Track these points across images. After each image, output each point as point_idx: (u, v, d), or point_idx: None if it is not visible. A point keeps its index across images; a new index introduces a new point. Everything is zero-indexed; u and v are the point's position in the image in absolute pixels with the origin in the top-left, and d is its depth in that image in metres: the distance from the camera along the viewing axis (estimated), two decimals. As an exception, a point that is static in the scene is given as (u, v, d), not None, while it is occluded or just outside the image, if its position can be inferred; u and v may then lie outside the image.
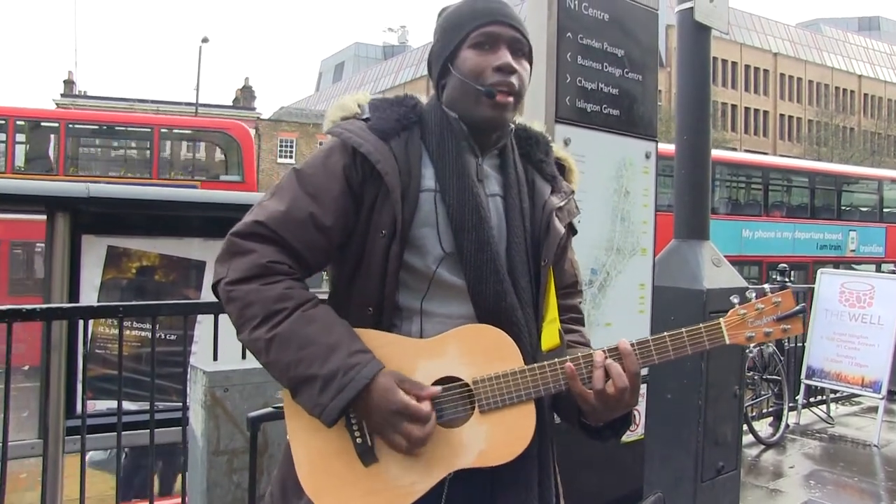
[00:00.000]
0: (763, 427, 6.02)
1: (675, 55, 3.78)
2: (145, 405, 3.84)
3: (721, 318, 1.44)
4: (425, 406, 1.29)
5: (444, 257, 1.40)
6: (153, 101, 40.57)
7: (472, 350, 1.37)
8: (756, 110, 49.62)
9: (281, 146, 44.59)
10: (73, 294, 4.20)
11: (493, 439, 1.35)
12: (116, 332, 4.32)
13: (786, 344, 6.57)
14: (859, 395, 6.89)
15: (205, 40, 32.44)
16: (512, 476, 1.39)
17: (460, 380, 1.36)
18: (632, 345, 1.40)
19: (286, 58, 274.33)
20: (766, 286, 1.53)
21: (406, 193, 1.39)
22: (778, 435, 5.91)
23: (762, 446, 5.72)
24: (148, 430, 3.16)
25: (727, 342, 1.43)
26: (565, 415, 1.50)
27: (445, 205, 1.41)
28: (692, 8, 3.54)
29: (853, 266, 17.84)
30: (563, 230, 1.55)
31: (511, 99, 1.45)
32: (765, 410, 6.22)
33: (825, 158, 38.24)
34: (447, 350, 1.37)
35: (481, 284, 1.40)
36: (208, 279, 4.64)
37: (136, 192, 4.93)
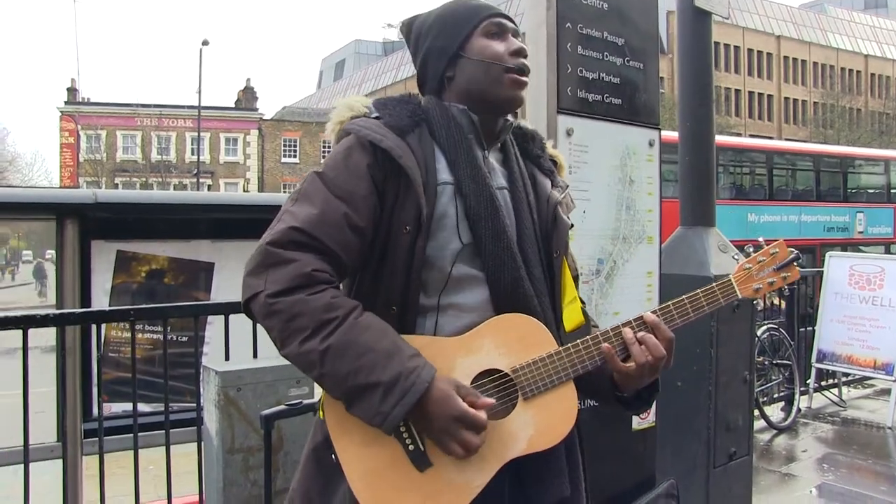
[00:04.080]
0: (774, 412, 6.02)
1: (676, 42, 3.76)
2: (159, 406, 3.89)
3: (730, 275, 1.53)
4: (482, 415, 1.30)
5: (462, 248, 1.41)
6: (156, 106, 40.66)
7: (506, 340, 1.39)
8: (760, 94, 49.40)
9: (284, 146, 44.69)
10: (85, 299, 4.24)
11: (541, 424, 1.37)
12: (128, 335, 4.37)
13: (795, 328, 6.56)
14: (871, 378, 6.87)
15: (205, 43, 32.51)
16: (544, 464, 1.41)
17: (499, 371, 1.38)
18: (655, 313, 1.46)
19: (286, 57, 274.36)
20: (761, 238, 1.60)
21: (426, 188, 1.40)
22: (790, 419, 5.91)
23: (774, 431, 5.73)
24: (162, 431, 3.20)
25: (739, 296, 1.52)
26: (599, 393, 1.53)
27: (462, 196, 1.43)
28: (692, -6, 3.53)
29: (861, 248, 17.80)
30: (569, 222, 1.59)
31: (525, 80, 1.52)
32: (776, 395, 6.21)
33: (831, 141, 38.02)
34: (483, 344, 1.38)
35: (499, 272, 1.42)
36: (217, 281, 4.67)
37: (142, 197, 4.96)
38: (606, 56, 2.89)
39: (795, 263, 1.55)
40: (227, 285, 4.59)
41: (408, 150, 1.41)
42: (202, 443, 2.97)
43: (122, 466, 3.25)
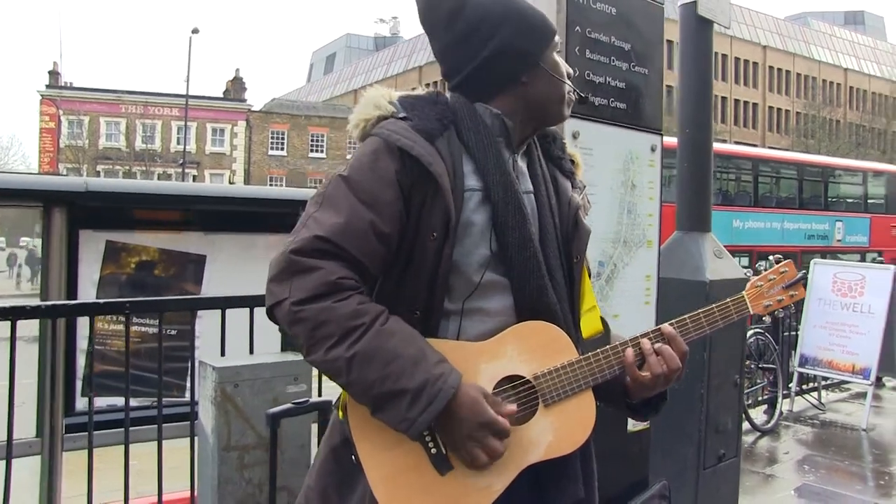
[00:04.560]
0: (758, 414, 6.11)
1: (678, 50, 3.79)
2: (146, 401, 3.86)
3: (743, 292, 1.58)
4: (507, 422, 1.31)
5: (488, 256, 1.41)
6: (142, 93, 40.26)
7: (529, 347, 1.41)
8: (745, 102, 49.86)
9: (272, 138, 44.39)
10: (71, 290, 4.19)
11: (560, 430, 1.39)
12: (117, 327, 4.31)
13: (780, 333, 6.66)
14: (849, 382, 7.01)
15: (195, 31, 32.24)
16: (560, 469, 1.43)
17: (521, 377, 1.39)
18: (672, 325, 1.48)
19: (277, 49, 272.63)
20: (772, 257, 1.67)
21: (453, 193, 1.38)
22: (773, 422, 6.01)
23: (758, 433, 5.82)
24: (151, 426, 3.14)
25: (751, 312, 1.56)
26: (610, 398, 1.54)
27: (491, 203, 1.41)
28: (695, 2, 3.56)
29: (839, 255, 18.04)
30: (589, 228, 1.60)
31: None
32: (760, 398, 6.30)
33: (812, 150, 38.46)
34: (506, 350, 1.39)
35: (525, 281, 1.42)
36: (208, 273, 4.64)
37: (134, 186, 4.92)
38: (613, 60, 2.92)
39: (802, 282, 1.61)
40: (219, 278, 4.55)
41: (437, 157, 1.38)
42: (196, 439, 2.92)
43: (103, 462, 3.15)
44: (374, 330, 1.28)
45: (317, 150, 45.33)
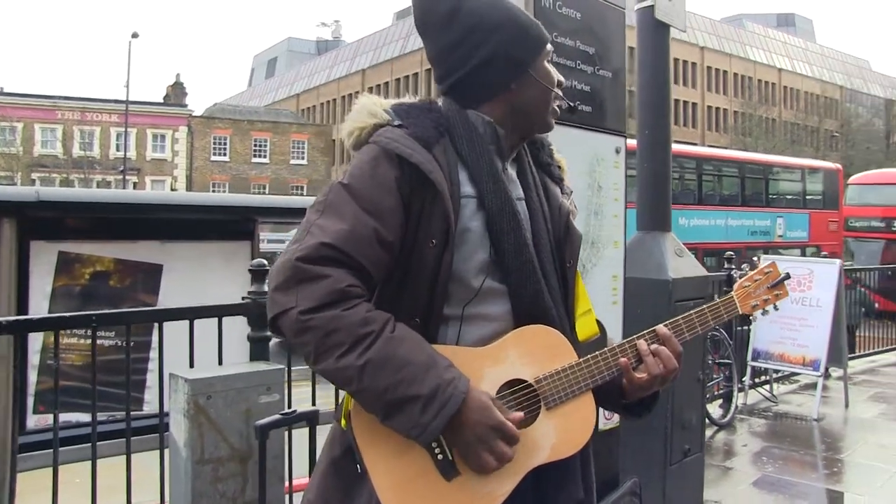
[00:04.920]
0: (714, 409, 6.24)
1: (636, 53, 3.86)
2: (100, 416, 3.76)
3: (733, 293, 1.63)
4: (516, 428, 1.32)
5: (485, 262, 1.42)
6: (80, 99, 39.21)
7: (530, 351, 1.42)
8: (685, 102, 50.85)
9: (214, 144, 43.74)
10: (22, 303, 4.06)
11: (562, 432, 1.41)
12: (70, 341, 4.18)
13: (734, 329, 6.82)
14: (799, 374, 7.22)
15: (135, 35, 31.51)
16: (561, 470, 1.44)
17: (524, 381, 1.41)
18: (667, 327, 1.51)
19: (217, 53, 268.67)
20: (755, 258, 1.71)
21: (452, 201, 1.39)
22: (729, 416, 6.15)
23: (715, 427, 5.95)
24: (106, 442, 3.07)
25: (740, 312, 1.62)
26: (606, 399, 1.55)
27: (485, 210, 1.43)
28: (653, 6, 3.63)
29: (780, 251, 18.54)
30: (581, 232, 1.63)
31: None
32: (716, 393, 6.44)
33: (750, 148, 39.46)
34: (507, 355, 1.41)
35: (521, 286, 1.44)
36: (165, 283, 4.55)
37: (88, 195, 4.80)
38: (578, 64, 2.97)
39: (785, 283, 1.67)
40: (177, 288, 4.46)
41: (436, 165, 1.39)
42: (168, 452, 2.84)
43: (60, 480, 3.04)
44: (384, 337, 1.29)
45: (260, 156, 44.92)
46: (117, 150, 39.24)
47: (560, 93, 1.55)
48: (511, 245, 1.43)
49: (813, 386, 6.90)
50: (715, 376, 6.36)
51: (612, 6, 3.10)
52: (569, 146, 2.96)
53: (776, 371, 7.15)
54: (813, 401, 6.54)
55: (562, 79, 1.56)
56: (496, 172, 1.46)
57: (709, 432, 5.82)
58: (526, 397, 1.41)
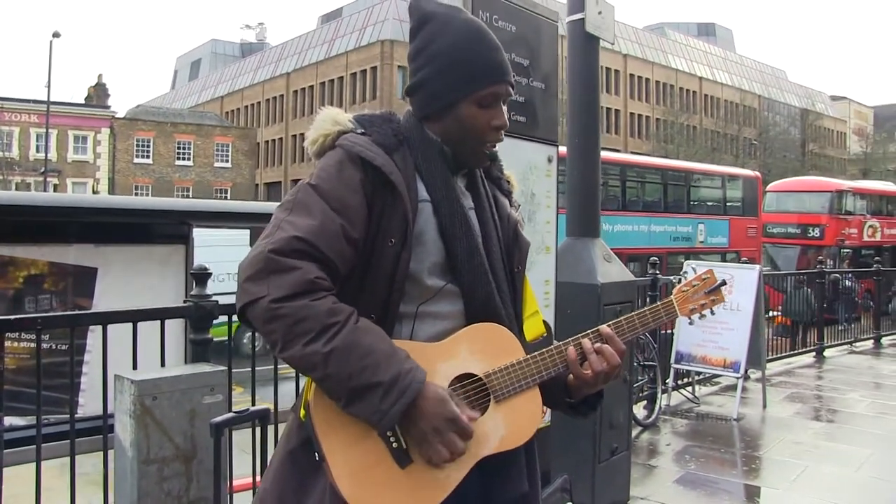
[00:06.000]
0: (639, 410, 6.43)
1: (566, 64, 3.98)
2: (32, 419, 3.68)
3: (672, 297, 1.72)
4: (471, 425, 1.39)
5: (439, 263, 1.50)
6: (-3, 98, 37.63)
7: (481, 348, 1.50)
8: (609, 109, 51.93)
9: (137, 146, 42.66)
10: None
11: (510, 424, 1.48)
12: (8, 344, 4.08)
13: (658, 332, 7.04)
14: (720, 376, 7.50)
15: (56, 35, 30.41)
16: (508, 462, 1.52)
17: (474, 375, 1.48)
18: (609, 326, 1.60)
19: (140, 54, 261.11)
20: (693, 266, 1.80)
21: (410, 203, 1.47)
22: (653, 417, 6.35)
23: (640, 428, 6.13)
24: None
25: (679, 315, 1.71)
26: (552, 399, 1.63)
27: (438, 215, 1.51)
28: (583, 19, 3.76)
29: (701, 256, 19.10)
30: (528, 240, 1.72)
31: (495, 149, 1.63)
32: (641, 395, 6.64)
33: (672, 155, 40.62)
34: (459, 350, 1.48)
35: (474, 287, 1.52)
36: (100, 287, 4.49)
37: (23, 199, 4.69)
38: (514, 76, 3.04)
39: (721, 289, 1.76)
40: (111, 291, 4.41)
41: (395, 168, 1.49)
42: (112, 453, 2.87)
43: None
44: (349, 327, 1.36)
45: (183, 158, 44.03)
46: (37, 151, 37.84)
47: (490, 136, 1.58)
48: (463, 249, 1.52)
49: (733, 387, 7.18)
50: (640, 378, 6.55)
51: (545, 19, 3.21)
52: (503, 155, 2.99)
53: (698, 373, 7.40)
54: (733, 401, 6.80)
55: (499, 122, 1.59)
56: (447, 181, 1.55)
57: (634, 432, 6.00)
58: (475, 391, 1.48)
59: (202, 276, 3.32)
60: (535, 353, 1.54)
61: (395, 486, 1.40)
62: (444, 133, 1.58)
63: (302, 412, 1.49)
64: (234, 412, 2.57)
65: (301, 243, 1.38)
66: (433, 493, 1.41)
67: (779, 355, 9.84)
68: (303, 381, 1.53)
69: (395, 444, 1.40)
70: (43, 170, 34.18)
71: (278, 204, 1.50)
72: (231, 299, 1.67)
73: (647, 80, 55.63)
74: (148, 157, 42.97)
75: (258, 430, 2.83)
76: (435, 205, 1.52)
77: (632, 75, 54.51)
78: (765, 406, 7.02)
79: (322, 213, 1.42)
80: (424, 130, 1.58)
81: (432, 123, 1.59)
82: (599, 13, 3.78)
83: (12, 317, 3.15)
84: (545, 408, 1.64)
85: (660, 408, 6.55)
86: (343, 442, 1.40)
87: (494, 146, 1.62)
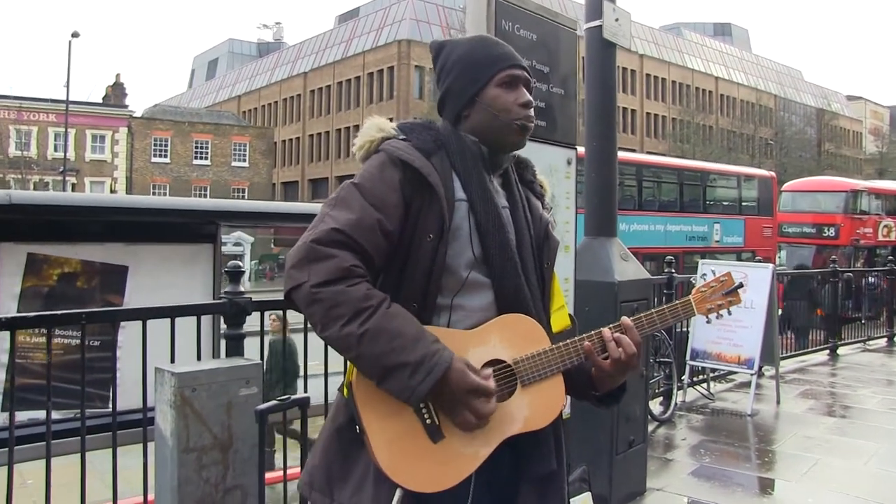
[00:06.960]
0: (655, 406, 6.55)
1: (584, 68, 4.11)
2: (69, 413, 3.85)
3: (690, 296, 1.83)
4: (491, 382, 1.55)
5: (473, 258, 1.65)
6: (16, 98, 38.04)
7: (510, 336, 1.65)
8: (625, 108, 51.81)
9: (155, 145, 42.95)
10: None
11: (535, 407, 1.63)
12: (38, 340, 4.24)
13: (674, 329, 7.16)
14: (734, 373, 7.61)
15: (75, 35, 30.78)
16: (537, 442, 1.67)
17: (503, 361, 1.63)
18: (630, 319, 1.73)
19: (158, 54, 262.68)
20: (710, 266, 1.91)
21: (447, 202, 1.63)
22: (669, 412, 6.46)
23: (656, 423, 6.25)
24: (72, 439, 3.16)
25: (696, 314, 1.83)
26: (579, 391, 1.79)
27: (474, 213, 1.66)
28: (600, 26, 3.89)
29: (717, 255, 19.13)
30: (558, 239, 1.87)
31: (532, 126, 1.77)
32: (657, 391, 6.76)
33: (688, 155, 40.55)
34: (490, 338, 1.63)
35: (504, 280, 1.67)
36: (131, 284, 4.65)
37: (58, 199, 4.87)
38: (535, 82, 3.19)
39: (738, 290, 1.87)
40: (142, 288, 4.57)
41: (433, 170, 1.64)
42: (154, 443, 2.99)
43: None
44: (381, 311, 1.50)
45: (201, 157, 44.33)
46: (55, 150, 38.30)
47: (520, 113, 1.75)
48: (496, 244, 1.66)
49: (747, 384, 7.27)
50: (656, 374, 6.67)
51: (565, 27, 3.35)
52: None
53: (713, 370, 7.52)
54: (747, 398, 6.89)
55: (525, 100, 1.76)
56: (483, 182, 1.70)
57: (651, 427, 6.13)
58: (504, 375, 1.63)
59: (236, 274, 3.46)
60: (560, 343, 1.68)
61: (427, 458, 1.55)
62: (478, 126, 1.74)
63: (345, 391, 1.66)
64: (277, 399, 2.71)
65: (339, 234, 1.53)
66: (462, 466, 1.56)
67: (793, 353, 9.91)
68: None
69: (428, 421, 1.55)
70: (61, 169, 34.60)
71: (324, 201, 1.67)
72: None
73: (664, 80, 55.52)
74: (165, 156, 43.30)
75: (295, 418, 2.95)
76: (471, 203, 1.67)
77: (648, 75, 54.38)
78: (778, 402, 7.10)
79: (361, 208, 1.57)
80: (460, 133, 1.74)
81: (465, 123, 1.76)
82: (616, 20, 3.92)
83: (58, 312, 3.29)
84: (566, 399, 1.79)
85: (675, 404, 6.65)
86: (380, 416, 1.56)
87: (529, 124, 1.76)
